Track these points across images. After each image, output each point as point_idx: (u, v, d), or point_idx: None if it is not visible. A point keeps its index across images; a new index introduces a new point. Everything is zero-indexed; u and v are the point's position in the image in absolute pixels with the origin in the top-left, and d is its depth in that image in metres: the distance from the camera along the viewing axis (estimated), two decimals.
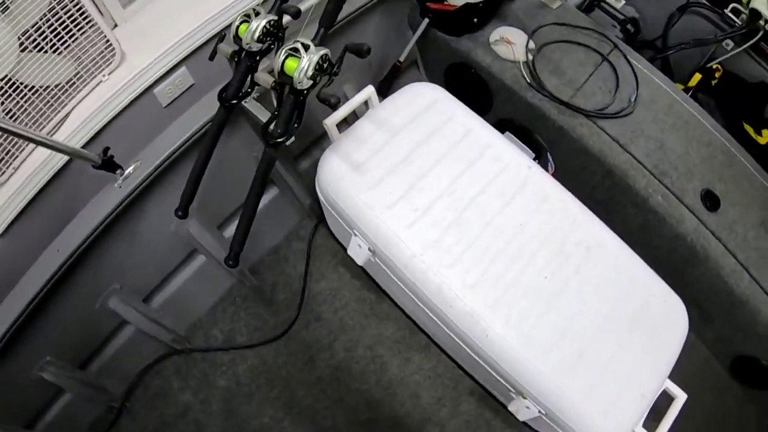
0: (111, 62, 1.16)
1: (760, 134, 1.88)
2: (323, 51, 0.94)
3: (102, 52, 1.12)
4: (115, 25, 1.18)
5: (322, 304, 1.59)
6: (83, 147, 1.10)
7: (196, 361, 1.53)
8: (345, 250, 1.49)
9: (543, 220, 1.23)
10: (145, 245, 1.31)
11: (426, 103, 1.34)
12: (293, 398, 1.49)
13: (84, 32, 1.06)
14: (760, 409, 1.69)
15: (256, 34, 0.97)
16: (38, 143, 0.91)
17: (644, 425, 1.17)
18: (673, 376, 1.19)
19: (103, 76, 1.17)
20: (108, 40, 1.11)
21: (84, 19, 1.03)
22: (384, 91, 1.62)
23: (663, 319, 1.23)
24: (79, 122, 1.10)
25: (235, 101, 1.07)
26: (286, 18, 1.01)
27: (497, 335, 1.13)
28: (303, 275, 1.61)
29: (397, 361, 1.54)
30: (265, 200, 1.55)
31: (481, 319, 1.13)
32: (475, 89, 1.63)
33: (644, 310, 1.20)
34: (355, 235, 1.25)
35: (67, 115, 1.11)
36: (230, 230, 1.56)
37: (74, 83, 1.10)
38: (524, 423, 1.30)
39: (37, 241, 1.09)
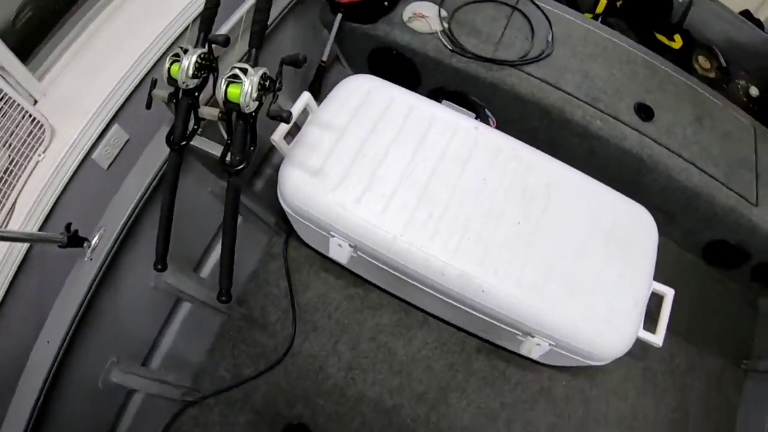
0: (42, 139, 1.14)
1: (673, 40, 2.03)
2: (261, 70, 0.96)
3: (30, 131, 1.11)
4: (35, 101, 1.16)
5: (314, 313, 1.62)
6: (40, 230, 1.08)
7: (211, 406, 1.53)
8: (321, 255, 1.52)
9: (501, 171, 1.31)
10: (129, 309, 1.31)
11: (362, 94, 1.39)
12: (316, 410, 1.53)
13: (6, 115, 1.04)
14: (741, 286, 1.84)
15: (190, 71, 0.98)
16: (3, 239, 0.89)
17: (644, 328, 1.27)
18: (655, 277, 1.28)
19: (39, 155, 1.15)
20: (33, 118, 1.10)
21: (4, 103, 1.02)
22: (315, 93, 1.66)
23: (634, 229, 1.33)
24: (28, 207, 1.08)
25: (184, 142, 1.07)
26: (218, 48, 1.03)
27: (492, 287, 1.20)
28: (288, 291, 1.64)
29: (401, 344, 1.60)
30: None
31: (472, 277, 1.19)
32: (401, 68, 1.69)
33: (615, 225, 1.30)
34: (333, 236, 1.28)
35: (14, 204, 1.09)
36: (206, 270, 1.56)
37: (11, 170, 1.08)
38: (536, 361, 1.37)
39: (24, 336, 1.07)
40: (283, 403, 1.53)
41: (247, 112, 0.98)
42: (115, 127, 1.26)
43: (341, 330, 1.60)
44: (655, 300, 1.34)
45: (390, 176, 1.28)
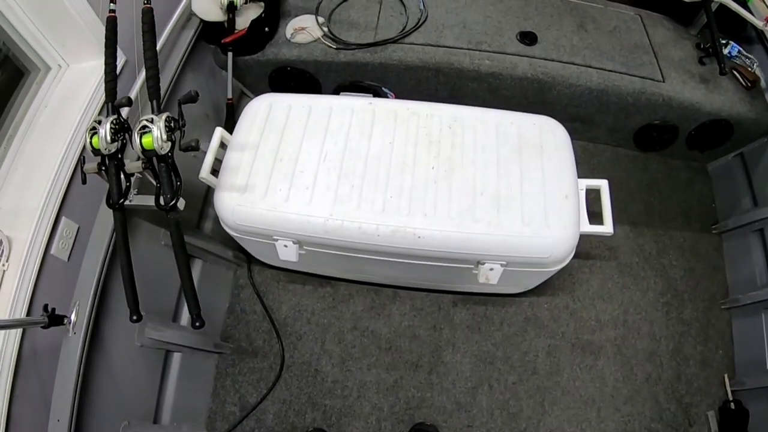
0: (2, 251, 1.31)
1: None
2: (164, 115, 1.18)
3: None
4: None
5: (294, 324, 1.83)
6: None
7: None
8: (284, 270, 1.69)
9: (404, 129, 1.53)
10: (125, 371, 1.49)
11: (265, 110, 1.61)
12: (326, 411, 1.72)
13: None
14: (683, 160, 2.00)
15: (108, 137, 1.19)
16: None
17: (591, 223, 1.45)
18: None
19: (3, 265, 1.31)
20: None
21: None
22: (231, 129, 1.86)
23: (541, 135, 1.53)
24: (6, 313, 1.25)
25: (122, 200, 1.27)
26: (125, 110, 1.23)
27: (426, 230, 1.38)
28: (265, 313, 1.84)
29: (382, 323, 1.79)
30: (196, 275, 1.77)
31: (405, 228, 1.38)
32: (300, 81, 1.93)
33: (522, 138, 1.50)
34: (276, 239, 1.46)
35: None
36: (184, 317, 1.75)
37: None
38: (509, 294, 1.51)
39: (36, 421, 1.23)
40: (293, 415, 1.69)
41: (163, 153, 1.19)
42: (63, 220, 1.44)
43: (323, 330, 1.78)
44: (595, 195, 1.53)
45: (308, 168, 1.49)
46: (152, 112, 1.22)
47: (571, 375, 1.75)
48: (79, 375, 1.28)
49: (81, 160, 1.30)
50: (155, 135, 1.15)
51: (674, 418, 1.75)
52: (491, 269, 1.45)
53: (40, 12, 1.43)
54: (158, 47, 1.65)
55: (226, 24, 1.84)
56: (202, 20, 1.83)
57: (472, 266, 1.48)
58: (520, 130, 1.53)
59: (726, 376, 1.82)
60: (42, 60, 1.55)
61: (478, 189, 1.43)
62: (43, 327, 1.23)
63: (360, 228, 1.40)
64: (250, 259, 1.89)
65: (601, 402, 1.74)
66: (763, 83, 1.92)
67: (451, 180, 1.45)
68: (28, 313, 1.30)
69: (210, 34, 1.88)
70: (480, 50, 1.85)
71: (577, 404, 1.73)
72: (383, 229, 1.40)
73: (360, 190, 1.44)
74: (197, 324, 1.18)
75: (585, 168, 2.09)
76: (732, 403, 1.76)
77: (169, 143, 1.18)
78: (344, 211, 1.42)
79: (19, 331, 1.26)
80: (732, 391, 1.79)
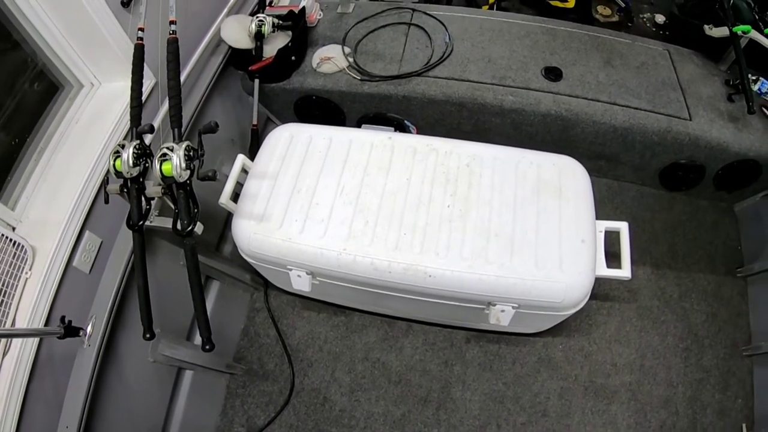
0: (26, 259, 1.38)
1: (566, 1, 2.25)
2: (184, 144, 1.23)
3: (15, 254, 1.35)
4: (14, 228, 1.42)
5: (306, 350, 1.84)
6: None
7: None
8: (300, 297, 1.71)
9: (422, 166, 1.53)
10: (136, 386, 1.53)
11: (286, 140, 1.64)
12: None
13: None
14: (710, 200, 1.94)
15: (130, 161, 1.24)
16: (8, 336, 1.12)
17: (609, 266, 1.43)
18: (620, 218, 1.47)
19: (26, 273, 1.38)
20: (15, 242, 1.35)
21: None
22: (255, 154, 1.90)
23: (560, 177, 1.51)
24: (27, 319, 1.31)
25: (141, 222, 1.32)
26: (149, 136, 1.30)
27: (437, 270, 1.38)
28: (278, 337, 1.86)
29: (393, 355, 1.79)
30: (213, 296, 1.81)
31: (417, 266, 1.39)
32: (325, 109, 1.96)
33: (541, 179, 1.49)
34: (291, 269, 1.48)
35: (14, 318, 1.32)
36: (198, 337, 1.76)
37: (5, 291, 1.32)
38: (524, 334, 1.49)
39: (46, 422, 1.28)
40: None
41: (181, 181, 1.24)
42: (87, 234, 1.51)
43: (334, 358, 1.78)
44: (614, 238, 1.49)
45: (324, 201, 1.50)
46: (173, 140, 1.27)
47: (583, 419, 1.71)
48: (90, 385, 1.32)
49: (105, 180, 1.36)
50: (174, 163, 1.20)
51: None
52: (502, 311, 1.44)
53: (76, 32, 1.50)
54: (187, 70, 1.73)
55: (253, 51, 1.89)
56: (230, 47, 1.89)
57: (484, 307, 1.47)
58: (539, 170, 1.52)
59: (744, 426, 1.75)
60: (75, 77, 1.63)
61: (493, 230, 1.42)
62: (58, 338, 1.28)
63: (372, 264, 1.41)
64: (267, 284, 1.92)
65: None
66: None
67: (466, 220, 1.44)
68: (48, 322, 1.35)
69: (238, 60, 1.93)
70: (504, 85, 1.85)
71: None
72: (395, 266, 1.40)
73: (374, 226, 1.45)
74: (207, 347, 1.22)
75: (608, 207, 2.07)
76: None
77: (188, 171, 1.23)
78: (357, 246, 1.43)
79: (38, 338, 1.31)
80: None
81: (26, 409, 1.27)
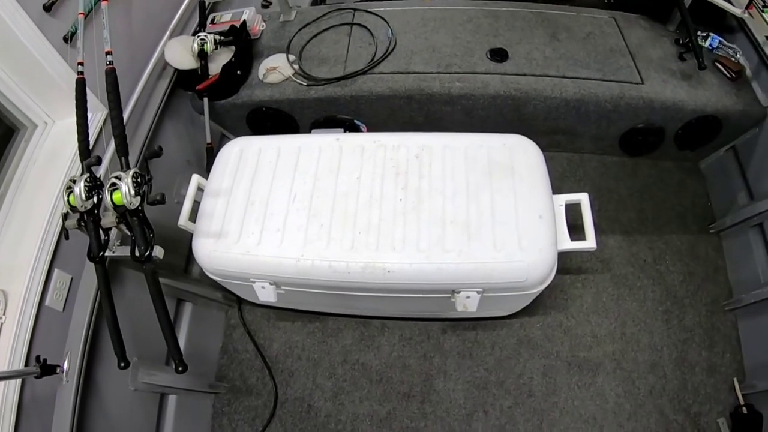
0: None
1: None
2: (131, 171, 1.22)
3: None
4: None
5: (286, 360, 1.83)
6: None
7: None
8: (274, 308, 1.69)
9: (371, 163, 1.52)
10: (120, 416, 1.52)
11: (236, 155, 1.62)
12: None
13: None
14: (674, 160, 1.92)
15: (83, 195, 1.22)
16: None
17: (573, 239, 1.41)
18: (587, 190, 1.44)
19: (0, 318, 1.35)
20: None
21: None
22: None
23: (512, 156, 1.49)
24: (5, 362, 1.28)
25: (102, 253, 1.30)
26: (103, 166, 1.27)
27: (395, 264, 1.36)
28: (257, 351, 1.85)
29: (372, 355, 1.77)
30: (187, 318, 1.79)
31: (374, 263, 1.37)
32: (276, 120, 1.96)
33: (492, 161, 1.47)
34: (254, 282, 1.46)
35: None
36: None
37: None
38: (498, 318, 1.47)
39: None
40: None
41: (132, 208, 1.23)
42: (56, 272, 1.48)
43: (314, 365, 1.77)
44: (577, 211, 1.46)
45: (278, 210, 1.49)
46: (121, 169, 1.26)
47: (569, 395, 1.69)
48: (73, 421, 1.30)
49: (63, 216, 1.34)
50: (123, 191, 1.19)
51: (682, 429, 1.67)
52: (468, 297, 1.42)
53: (22, 73, 1.49)
54: (135, 97, 1.72)
55: (199, 71, 1.87)
56: (176, 69, 1.87)
57: (449, 295, 1.45)
58: (489, 152, 1.50)
59: (735, 380, 1.72)
60: (28, 118, 1.60)
61: (448, 218, 1.40)
62: (36, 377, 1.27)
63: (330, 266, 1.39)
64: (240, 300, 1.90)
65: (603, 420, 1.67)
66: (748, 72, 1.84)
67: (420, 211, 1.42)
68: (26, 363, 1.32)
69: (185, 81, 1.91)
70: (450, 72, 1.83)
71: (577, 424, 1.66)
72: (353, 266, 1.38)
73: (329, 228, 1.43)
74: (180, 369, 1.22)
75: (571, 180, 2.05)
76: (744, 408, 1.68)
77: (138, 198, 1.22)
78: (314, 251, 1.41)
79: (19, 380, 1.28)
80: (743, 395, 1.70)
81: None
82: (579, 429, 1.66)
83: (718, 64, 1.86)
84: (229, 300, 1.90)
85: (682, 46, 1.89)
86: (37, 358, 1.27)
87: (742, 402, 1.69)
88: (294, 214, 1.47)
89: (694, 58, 1.79)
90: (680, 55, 1.89)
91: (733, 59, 1.84)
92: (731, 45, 1.87)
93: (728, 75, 1.84)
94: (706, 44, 1.87)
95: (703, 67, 1.73)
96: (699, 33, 1.84)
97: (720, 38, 1.88)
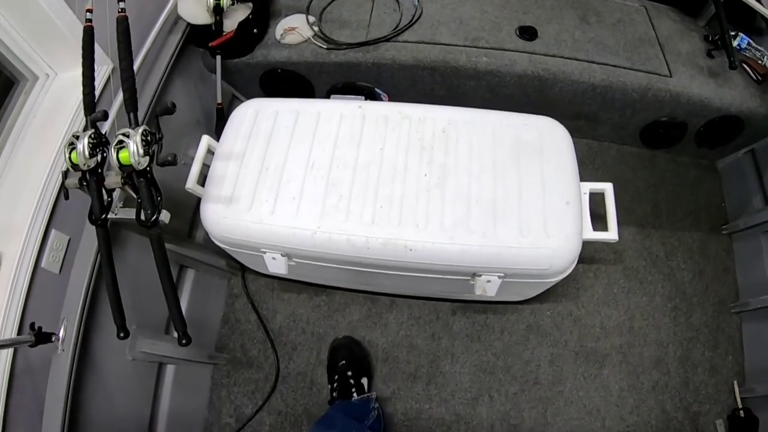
0: None
1: None
2: (141, 128, 1.12)
3: None
4: None
5: (289, 333, 1.77)
6: None
7: None
8: (279, 279, 1.62)
9: (395, 135, 1.43)
10: (118, 387, 1.45)
11: (251, 117, 1.53)
12: None
13: None
14: (692, 157, 1.88)
15: (86, 152, 1.13)
16: None
17: (595, 229, 1.35)
18: (603, 179, 1.39)
19: None
20: None
21: None
22: (221, 133, 1.79)
23: (540, 138, 1.41)
24: None
25: (104, 215, 1.22)
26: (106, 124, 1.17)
27: (418, 243, 1.30)
28: (260, 322, 1.78)
29: (379, 332, 1.71)
30: (189, 285, 1.72)
31: (396, 240, 1.30)
32: (292, 82, 1.85)
33: (520, 142, 1.40)
34: (264, 252, 1.39)
35: None
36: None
37: None
38: (511, 302, 1.43)
39: None
40: (289, 427, 1.65)
41: (140, 168, 1.13)
42: (53, 232, 1.39)
43: (318, 340, 1.71)
44: (600, 200, 1.41)
45: (294, 178, 1.41)
46: (129, 126, 1.16)
47: (575, 384, 1.67)
48: (69, 391, 1.23)
49: (63, 174, 1.25)
50: (131, 150, 1.09)
51: (681, 427, 1.67)
52: (488, 281, 1.36)
53: (25, 21, 1.37)
54: (144, 51, 1.60)
55: (213, 26, 1.76)
56: (188, 23, 1.75)
57: (469, 278, 1.40)
58: (518, 132, 1.43)
59: (735, 382, 1.72)
60: (29, 69, 1.50)
61: (473, 197, 1.34)
62: (30, 346, 1.18)
63: (349, 240, 1.32)
64: (243, 268, 1.83)
65: (606, 412, 1.65)
66: None
67: (445, 188, 1.35)
68: (20, 328, 1.25)
69: (198, 37, 1.80)
70: (477, 47, 1.75)
71: (580, 415, 1.65)
72: (373, 241, 1.31)
73: (348, 200, 1.35)
74: (183, 341, 1.14)
75: (589, 167, 1.99)
76: (741, 411, 1.67)
77: (147, 158, 1.12)
78: (332, 224, 1.33)
79: (11, 349, 1.21)
80: (741, 399, 1.70)
81: (8, 424, 1.18)
82: (582, 420, 1.65)
83: (744, 65, 1.81)
84: (232, 268, 1.83)
85: (711, 42, 1.84)
86: (32, 325, 1.19)
87: (740, 405, 1.69)
88: (311, 183, 1.39)
89: (722, 55, 1.74)
90: (709, 51, 1.84)
91: (760, 62, 1.79)
92: (759, 47, 1.81)
93: (754, 77, 1.79)
94: (735, 43, 1.82)
95: (734, 67, 1.67)
96: (729, 32, 1.79)
97: (749, 39, 1.83)
